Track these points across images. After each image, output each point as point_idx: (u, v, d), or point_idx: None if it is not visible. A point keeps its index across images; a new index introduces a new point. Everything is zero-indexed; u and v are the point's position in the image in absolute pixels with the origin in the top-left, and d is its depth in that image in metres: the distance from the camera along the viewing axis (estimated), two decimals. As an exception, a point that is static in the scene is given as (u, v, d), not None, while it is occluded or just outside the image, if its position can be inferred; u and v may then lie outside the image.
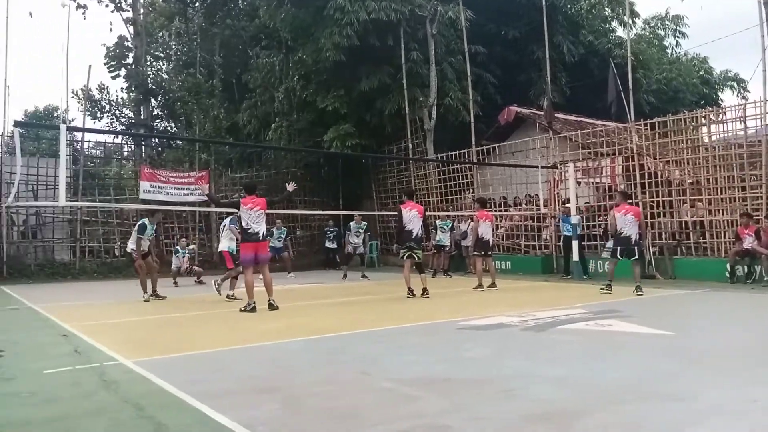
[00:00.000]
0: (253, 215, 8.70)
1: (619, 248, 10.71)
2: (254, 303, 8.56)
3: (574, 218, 13.97)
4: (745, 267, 12.07)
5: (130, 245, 11.24)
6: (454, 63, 20.68)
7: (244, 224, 8.77)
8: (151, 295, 10.99)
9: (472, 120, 18.86)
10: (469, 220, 16.69)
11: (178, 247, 16.19)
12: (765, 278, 11.40)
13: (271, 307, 8.70)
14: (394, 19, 18.68)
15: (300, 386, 4.46)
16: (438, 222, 16.42)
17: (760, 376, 4.50)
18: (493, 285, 11.78)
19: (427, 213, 14.57)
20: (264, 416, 3.72)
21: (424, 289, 10.29)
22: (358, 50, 18.93)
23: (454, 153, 19.15)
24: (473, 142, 18.57)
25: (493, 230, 12.70)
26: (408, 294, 10.22)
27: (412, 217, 10.45)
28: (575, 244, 13.87)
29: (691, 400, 3.91)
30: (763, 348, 5.72)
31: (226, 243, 11.22)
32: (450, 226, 16.48)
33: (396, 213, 11.26)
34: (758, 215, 12.24)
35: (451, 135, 21.01)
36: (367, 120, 20.22)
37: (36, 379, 4.87)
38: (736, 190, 13.08)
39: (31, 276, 17.03)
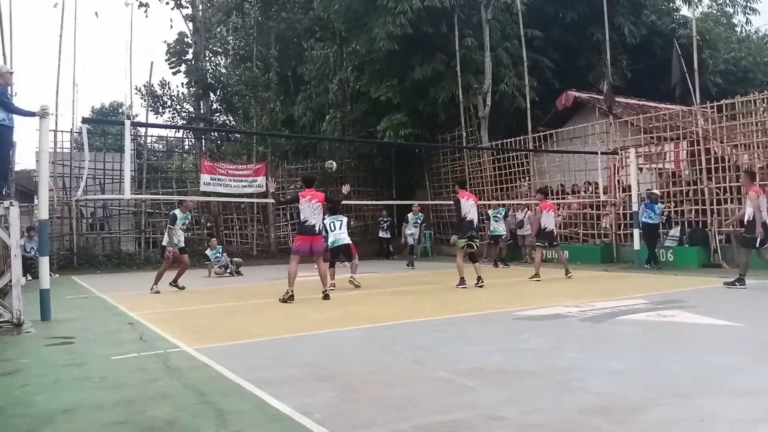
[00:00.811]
0: (312, 207, 8.81)
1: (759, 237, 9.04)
2: (292, 291, 8.68)
3: (659, 206, 13.49)
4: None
5: (165, 240, 11.36)
6: (510, 48, 20.31)
7: (302, 217, 8.90)
8: (171, 284, 11.21)
9: (528, 106, 18.51)
10: (526, 209, 16.45)
11: (208, 252, 15.58)
12: None
13: (326, 297, 8.89)
14: (447, 5, 18.50)
15: (355, 375, 4.51)
16: (491, 212, 16.18)
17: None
18: (567, 273, 11.67)
19: (481, 202, 14.47)
20: (320, 403, 3.78)
21: (479, 278, 10.23)
22: (411, 39, 18.84)
23: (509, 140, 18.84)
24: (529, 129, 18.21)
25: (555, 220, 12.46)
26: (461, 284, 10.13)
27: (470, 206, 10.46)
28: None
29: (762, 395, 3.74)
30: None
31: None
32: (503, 214, 16.16)
33: (453, 203, 11.19)
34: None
35: (507, 122, 20.70)
36: (421, 109, 20.14)
37: (105, 364, 5.11)
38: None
39: (99, 266, 17.86)
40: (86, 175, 12.16)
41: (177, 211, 11.21)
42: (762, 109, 13.80)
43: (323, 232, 9.83)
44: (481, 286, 10.08)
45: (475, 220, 10.52)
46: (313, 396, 3.95)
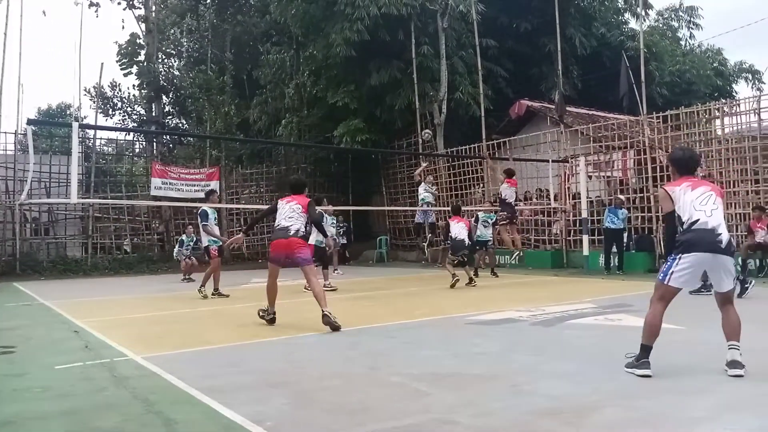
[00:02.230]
0: (287, 209, 7.17)
1: None
2: (273, 313, 7.11)
3: (622, 212, 13.72)
4: (757, 261, 11.96)
5: (205, 240, 10.46)
6: (465, 57, 20.59)
7: (276, 222, 7.32)
8: (214, 293, 10.33)
9: (483, 114, 18.79)
10: (476, 215, 16.62)
11: (183, 237, 15.26)
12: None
13: (326, 319, 6.61)
14: (404, 13, 18.63)
15: (310, 381, 4.47)
16: (481, 215, 14.72)
17: (772, 371, 4.45)
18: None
19: (472, 208, 14.88)
20: (272, 411, 3.73)
21: (470, 279, 11.46)
22: (368, 45, 18.91)
23: (464, 147, 19.09)
24: (483, 137, 18.50)
25: (469, 232, 12.06)
26: (454, 279, 10.91)
27: (459, 228, 11.36)
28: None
29: (705, 395, 3.88)
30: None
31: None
32: (494, 220, 14.49)
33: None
34: (772, 209, 12.10)
35: (462, 129, 20.97)
36: (378, 115, 20.21)
37: (48, 374, 4.92)
38: (749, 183, 12.95)
39: (44, 272, 17.22)
40: (31, 179, 11.73)
41: (205, 207, 10.66)
42: (704, 120, 14.41)
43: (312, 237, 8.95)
44: (473, 285, 11.10)
45: (466, 239, 11.43)
46: (266, 403, 3.89)
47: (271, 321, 7.07)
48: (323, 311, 6.64)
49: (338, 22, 18.83)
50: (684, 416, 3.47)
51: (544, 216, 16.75)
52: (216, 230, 10.60)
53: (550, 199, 15.98)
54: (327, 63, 20.30)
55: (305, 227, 7.14)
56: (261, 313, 7.17)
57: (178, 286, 13.28)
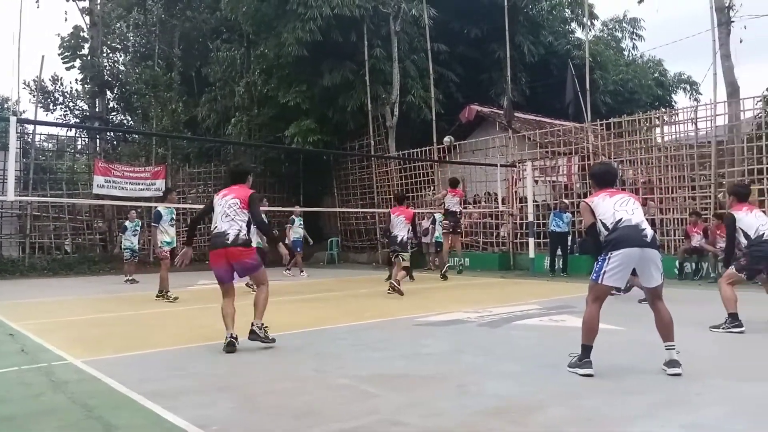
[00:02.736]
0: (224, 206, 5.74)
1: None
2: (231, 337, 5.61)
3: (567, 215, 14.10)
4: (693, 264, 12.48)
5: (154, 240, 10.54)
6: (417, 61, 20.75)
7: (212, 224, 5.91)
8: (159, 295, 10.18)
9: (434, 118, 18.98)
10: (432, 217, 16.83)
11: (127, 223, 14.54)
12: (712, 275, 11.80)
13: (253, 336, 5.75)
14: (357, 15, 18.63)
15: (257, 384, 4.42)
16: (438, 216, 15.10)
17: (703, 369, 4.65)
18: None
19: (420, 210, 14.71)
20: (218, 415, 3.67)
21: (392, 285, 10.09)
22: (320, 46, 18.82)
23: (415, 150, 19.24)
24: (435, 140, 18.69)
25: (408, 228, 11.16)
26: (389, 290, 10.07)
27: (398, 222, 10.70)
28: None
29: (643, 393, 4.02)
30: (710, 343, 5.93)
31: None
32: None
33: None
34: (706, 214, 12.68)
35: (413, 132, 21.12)
36: (330, 116, 20.13)
37: (-20, 379, 4.70)
38: (687, 189, 13.52)
39: (-23, 273, 16.42)
40: (-37, 174, 11.17)
41: (160, 207, 10.45)
42: (645, 128, 14.97)
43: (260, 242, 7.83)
44: (389, 293, 10.09)
45: (401, 236, 10.52)
46: (211, 408, 3.82)
47: (230, 347, 5.54)
48: (252, 324, 5.71)
49: (290, 22, 18.67)
50: (623, 414, 3.59)
51: (492, 219, 17.05)
52: (168, 233, 10.34)
53: (498, 203, 16.29)
54: (279, 62, 20.10)
55: (247, 228, 5.68)
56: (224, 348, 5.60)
57: (121, 287, 12.89)
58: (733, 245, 6.62)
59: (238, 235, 5.61)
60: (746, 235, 6.53)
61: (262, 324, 5.79)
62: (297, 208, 16.34)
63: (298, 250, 15.71)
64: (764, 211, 7.85)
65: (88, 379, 4.60)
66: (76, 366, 5.05)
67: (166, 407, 3.76)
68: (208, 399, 4.03)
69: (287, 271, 15.24)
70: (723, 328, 6.32)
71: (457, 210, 13.45)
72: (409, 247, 10.66)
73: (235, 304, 5.83)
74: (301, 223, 15.75)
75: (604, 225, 4.66)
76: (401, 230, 10.63)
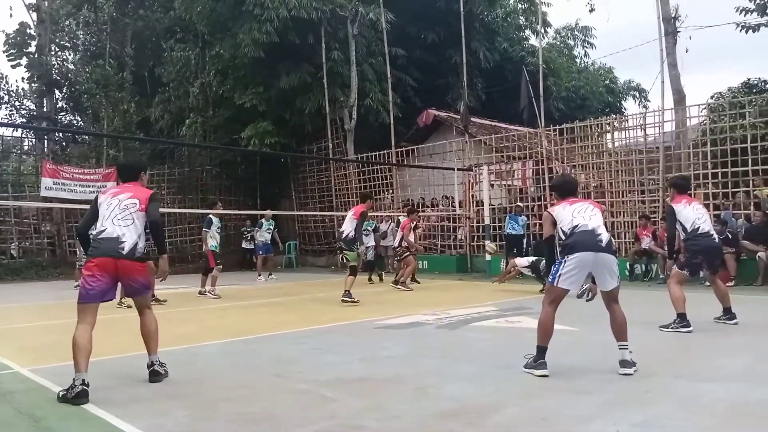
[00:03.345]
0: (113, 208, 4.59)
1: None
2: (83, 384, 4.06)
3: (522, 219, 14.32)
4: (643, 266, 12.87)
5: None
6: (375, 64, 20.81)
7: (97, 227, 4.61)
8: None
9: (392, 121, 19.06)
10: (390, 221, 16.85)
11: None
12: (661, 276, 12.18)
13: (153, 374, 4.67)
14: (315, 17, 18.57)
15: (213, 391, 4.34)
16: (402, 218, 14.49)
17: (653, 367, 4.80)
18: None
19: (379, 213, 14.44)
20: (173, 423, 3.59)
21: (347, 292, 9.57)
22: (277, 47, 18.67)
23: (374, 154, 19.28)
24: (393, 144, 18.76)
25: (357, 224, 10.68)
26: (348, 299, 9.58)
27: (347, 217, 10.10)
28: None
29: (596, 393, 4.12)
30: (659, 342, 6.11)
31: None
32: (373, 227, 15.62)
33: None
34: (655, 217, 13.10)
35: (372, 136, 21.14)
36: (287, 118, 19.99)
37: None
38: (636, 193, 13.94)
39: None
40: None
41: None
42: (597, 134, 15.37)
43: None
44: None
45: (346, 231, 9.87)
46: (165, 416, 3.74)
47: (81, 397, 4.01)
48: (152, 362, 4.71)
49: (246, 22, 18.46)
50: (577, 414, 3.67)
51: (449, 222, 17.21)
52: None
53: (455, 206, 16.46)
54: (234, 63, 19.84)
55: (146, 237, 4.69)
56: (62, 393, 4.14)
57: (71, 293, 12.47)
58: (673, 237, 6.76)
59: (136, 245, 4.52)
60: (683, 228, 6.65)
61: (158, 359, 4.75)
62: (268, 212, 16.51)
63: (260, 253, 15.69)
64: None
65: (36, 389, 4.44)
66: (23, 375, 4.87)
67: (119, 416, 3.66)
68: (163, 407, 3.94)
69: (260, 277, 15.29)
70: (672, 328, 6.52)
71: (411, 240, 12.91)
72: (354, 247, 9.82)
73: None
74: (270, 227, 15.70)
75: (562, 231, 4.81)
76: (347, 226, 9.96)
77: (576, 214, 4.81)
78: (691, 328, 6.43)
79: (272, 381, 4.64)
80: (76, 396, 4.02)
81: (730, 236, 11.50)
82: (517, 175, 16.16)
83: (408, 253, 12.59)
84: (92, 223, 4.70)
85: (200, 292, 11.10)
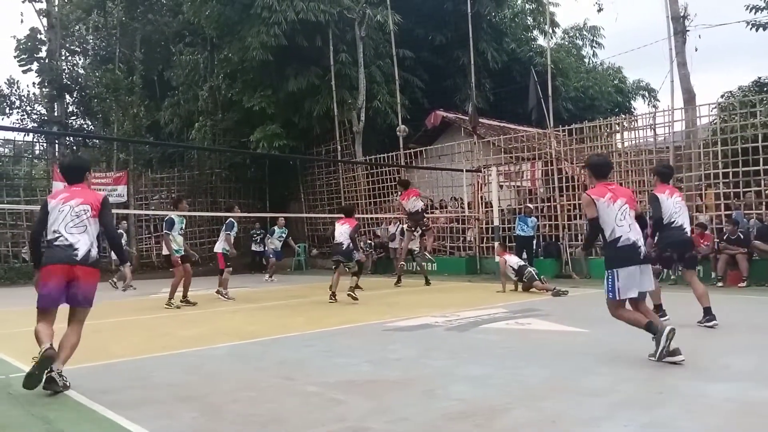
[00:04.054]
0: (66, 213, 4.59)
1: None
2: (49, 348, 4.31)
3: (532, 220, 14.28)
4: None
5: (164, 249, 10.31)
6: (383, 66, 20.84)
7: (48, 234, 4.63)
8: (182, 301, 10.08)
9: (400, 123, 19.06)
10: (398, 223, 16.91)
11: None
12: (672, 277, 12.09)
13: (48, 381, 4.28)
14: (322, 20, 18.62)
15: (221, 393, 4.35)
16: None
17: (663, 370, 4.76)
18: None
19: (360, 215, 14.46)
20: (181, 425, 3.61)
21: (351, 288, 10.14)
22: (286, 50, 18.73)
23: (382, 155, 19.29)
24: (401, 145, 18.77)
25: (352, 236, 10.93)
26: (330, 298, 10.04)
27: (342, 230, 10.40)
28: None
29: (604, 394, 4.10)
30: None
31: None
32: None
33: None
34: (665, 218, 12.97)
35: (380, 138, 21.19)
36: (295, 121, 20.05)
37: (-69, 394, 4.52)
38: (646, 194, 13.83)
39: (-71, 282, 15.83)
40: None
41: (173, 215, 10.33)
42: (606, 134, 15.29)
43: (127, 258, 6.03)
44: (351, 297, 10.03)
45: (346, 243, 10.19)
46: (174, 418, 3.76)
47: (47, 361, 4.26)
48: (51, 370, 4.30)
49: (255, 26, 18.54)
50: (586, 416, 3.65)
51: (458, 223, 17.18)
52: (177, 241, 10.18)
53: (463, 207, 16.43)
54: (243, 66, 19.93)
55: (98, 242, 4.68)
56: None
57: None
58: (660, 220, 6.72)
59: (90, 251, 4.55)
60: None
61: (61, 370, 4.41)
62: (281, 220, 16.64)
63: (271, 257, 16.13)
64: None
65: (48, 391, 4.46)
66: (34, 378, 4.88)
67: (129, 418, 3.68)
68: (171, 409, 3.96)
69: (269, 278, 15.57)
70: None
71: (419, 207, 13.08)
72: (354, 256, 10.30)
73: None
74: (282, 235, 15.88)
75: (603, 235, 5.14)
76: (343, 238, 10.28)
77: (619, 221, 5.10)
78: (668, 317, 6.70)
79: (280, 383, 4.65)
80: (43, 356, 4.20)
81: (741, 236, 11.42)
82: (526, 176, 16.10)
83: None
84: (44, 228, 4.67)
85: (217, 291, 11.17)
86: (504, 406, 3.86)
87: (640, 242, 5.14)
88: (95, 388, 4.47)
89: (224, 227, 11.29)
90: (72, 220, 4.57)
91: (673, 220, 6.66)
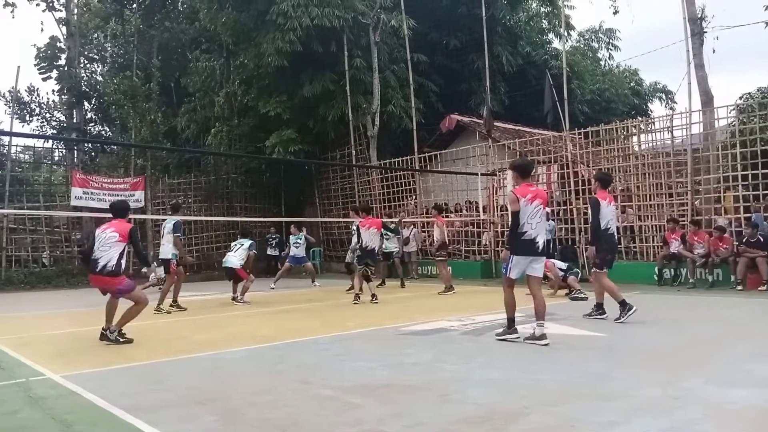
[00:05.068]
0: (101, 239, 6.94)
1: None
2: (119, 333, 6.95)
3: (550, 224, 14.18)
4: (672, 270, 12.64)
5: (169, 251, 9.99)
6: (397, 71, 20.86)
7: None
8: (172, 306, 10.04)
9: (415, 127, 19.07)
10: (412, 227, 16.90)
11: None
12: (690, 281, 11.97)
13: (103, 337, 6.93)
14: (337, 25, 18.69)
15: (238, 397, 4.38)
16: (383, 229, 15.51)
17: (681, 374, 4.72)
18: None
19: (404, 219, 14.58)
20: (200, 429, 3.64)
21: (373, 295, 10.60)
22: (300, 56, 18.83)
23: (397, 160, 19.30)
24: (416, 149, 18.76)
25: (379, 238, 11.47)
26: (355, 300, 10.38)
27: (371, 234, 10.66)
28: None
29: (621, 399, 4.06)
30: (687, 347, 6.01)
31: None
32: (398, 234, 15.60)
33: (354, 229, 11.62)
34: (684, 221, 12.86)
35: (394, 142, 21.21)
36: (310, 126, 20.13)
37: (-46, 397, 4.60)
38: (664, 196, 13.71)
39: (-48, 288, 16.09)
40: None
41: (178, 218, 10.43)
42: (622, 136, 15.17)
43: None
44: (375, 302, 10.36)
45: (376, 248, 10.75)
46: (193, 421, 3.79)
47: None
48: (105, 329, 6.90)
49: (270, 32, 18.66)
50: (604, 420, 3.62)
51: (473, 227, 17.12)
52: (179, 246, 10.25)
53: (479, 211, 16.38)
54: (258, 72, 20.05)
55: (118, 258, 6.76)
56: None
57: (100, 300, 12.70)
58: (598, 227, 7.25)
59: (106, 265, 6.70)
60: (599, 224, 7.23)
61: (118, 329, 6.85)
62: (293, 228, 16.10)
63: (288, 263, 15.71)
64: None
65: (67, 395, 4.52)
66: (55, 381, 4.97)
67: (148, 421, 3.72)
68: (189, 412, 3.99)
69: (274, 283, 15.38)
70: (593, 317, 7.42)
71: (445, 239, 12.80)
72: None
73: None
74: (298, 241, 15.70)
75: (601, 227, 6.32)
76: (375, 242, 10.69)
77: (529, 219, 6.07)
78: (606, 315, 7.37)
79: (297, 387, 4.67)
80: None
81: (762, 239, 11.27)
82: (541, 180, 16.02)
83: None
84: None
85: (233, 299, 11.21)
86: (521, 411, 3.84)
87: (540, 239, 6.13)
88: (114, 391, 4.51)
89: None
90: (101, 242, 6.80)
91: (609, 226, 7.24)
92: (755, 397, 4.04)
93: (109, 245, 6.74)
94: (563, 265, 11.31)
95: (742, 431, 3.43)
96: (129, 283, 7.04)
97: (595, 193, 7.52)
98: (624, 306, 7.20)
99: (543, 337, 6.03)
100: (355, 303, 10.31)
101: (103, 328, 6.89)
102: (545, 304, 6.33)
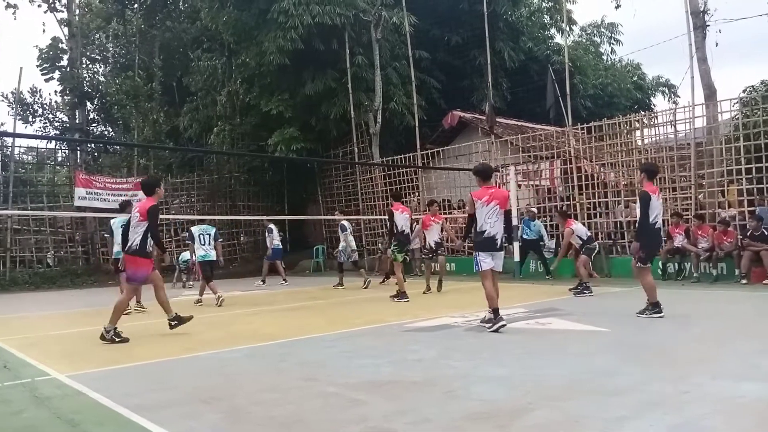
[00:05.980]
0: (134, 218, 7.18)
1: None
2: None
3: (535, 223, 14.26)
4: (676, 264, 12.60)
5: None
6: (399, 68, 20.83)
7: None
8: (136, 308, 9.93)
9: (417, 124, 19.04)
10: (415, 223, 16.86)
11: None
12: (694, 275, 11.93)
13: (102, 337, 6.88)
14: (338, 23, 18.66)
15: (243, 395, 4.38)
16: (346, 223, 15.47)
17: (689, 369, 4.70)
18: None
19: (373, 216, 14.49)
20: (204, 427, 3.63)
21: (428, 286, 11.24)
22: (302, 54, 18.81)
23: (399, 157, 19.28)
24: (418, 146, 18.75)
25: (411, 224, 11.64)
26: (402, 298, 10.25)
27: (405, 219, 10.75)
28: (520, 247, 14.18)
29: (629, 394, 4.04)
30: (693, 342, 5.99)
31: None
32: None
33: (387, 216, 11.46)
34: (687, 215, 12.82)
35: (397, 139, 21.18)
36: (313, 124, 20.12)
37: (-40, 397, 4.61)
38: (668, 191, 13.67)
39: (-44, 288, 16.15)
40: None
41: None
42: (625, 131, 15.13)
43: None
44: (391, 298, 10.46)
45: (409, 233, 10.98)
46: (197, 420, 3.79)
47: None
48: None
49: (271, 31, 18.65)
50: (611, 416, 3.60)
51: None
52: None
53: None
54: (260, 71, 20.05)
55: (142, 239, 6.83)
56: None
57: (105, 299, 12.73)
58: (647, 223, 7.09)
59: (131, 244, 6.86)
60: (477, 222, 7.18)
61: (113, 328, 6.79)
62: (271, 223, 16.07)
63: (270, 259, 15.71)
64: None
65: (72, 394, 4.53)
66: (60, 381, 4.97)
67: (152, 420, 3.72)
68: (194, 411, 3.99)
69: (283, 282, 15.33)
70: (647, 315, 7.08)
71: (438, 239, 12.22)
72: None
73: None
74: (274, 232, 15.63)
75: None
76: (409, 228, 10.88)
77: (487, 218, 6.74)
78: (662, 314, 7.02)
79: (302, 384, 4.67)
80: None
81: (766, 233, 11.23)
82: (545, 175, 15.98)
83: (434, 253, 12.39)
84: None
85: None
86: (526, 407, 3.83)
87: (499, 236, 6.73)
88: (119, 390, 4.52)
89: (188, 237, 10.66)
90: (133, 222, 6.99)
91: (656, 221, 7.19)
92: (764, 390, 4.03)
93: (134, 225, 6.88)
94: (584, 234, 11.10)
95: (752, 425, 3.41)
96: (139, 274, 7.08)
97: (641, 185, 7.17)
98: (655, 307, 6.99)
99: (491, 321, 6.63)
100: (406, 301, 10.07)
101: (169, 319, 7.25)
102: (495, 296, 6.90)
